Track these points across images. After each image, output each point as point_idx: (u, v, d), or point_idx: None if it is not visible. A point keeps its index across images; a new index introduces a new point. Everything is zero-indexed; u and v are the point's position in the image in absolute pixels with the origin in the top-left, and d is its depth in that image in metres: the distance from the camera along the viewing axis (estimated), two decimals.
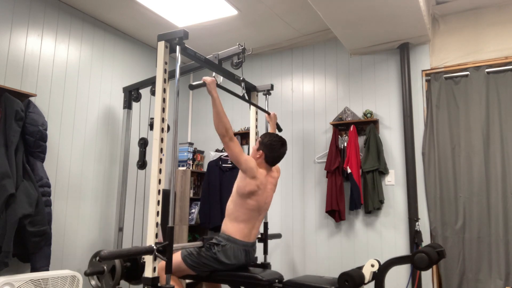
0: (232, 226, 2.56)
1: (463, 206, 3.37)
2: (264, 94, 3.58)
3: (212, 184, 4.28)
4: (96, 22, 3.88)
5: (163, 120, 2.38)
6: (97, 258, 2.08)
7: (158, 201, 2.29)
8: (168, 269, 2.19)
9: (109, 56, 4.00)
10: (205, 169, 4.63)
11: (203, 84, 2.49)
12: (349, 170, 3.66)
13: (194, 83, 2.49)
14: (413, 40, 3.65)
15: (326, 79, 4.18)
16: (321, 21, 3.81)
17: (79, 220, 3.57)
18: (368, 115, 3.80)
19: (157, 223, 2.27)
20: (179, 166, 4.41)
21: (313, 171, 4.09)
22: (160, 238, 2.44)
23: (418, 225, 3.41)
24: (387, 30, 3.48)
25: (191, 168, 4.43)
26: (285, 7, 3.60)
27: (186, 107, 4.96)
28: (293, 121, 4.30)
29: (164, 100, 2.39)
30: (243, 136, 4.47)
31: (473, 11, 3.56)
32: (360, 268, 2.25)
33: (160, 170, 2.32)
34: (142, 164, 3.69)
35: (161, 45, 2.42)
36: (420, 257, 2.07)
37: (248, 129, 4.39)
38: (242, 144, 4.47)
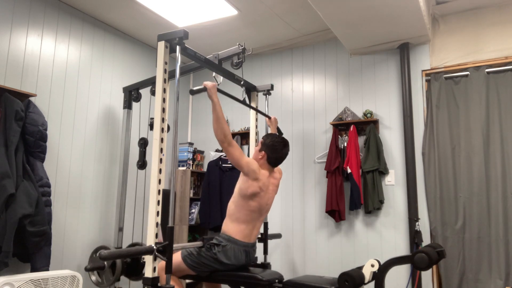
0: (233, 227, 2.56)
1: (463, 206, 3.37)
2: (264, 94, 3.58)
3: (212, 184, 4.28)
4: (96, 22, 3.88)
5: (163, 120, 2.38)
6: (98, 254, 2.08)
7: (158, 201, 2.29)
8: (168, 269, 2.20)
9: (109, 56, 3.99)
10: (205, 169, 4.63)
11: (204, 89, 2.49)
12: (349, 170, 3.66)
13: (195, 88, 2.49)
14: (413, 40, 3.65)
15: (326, 79, 4.18)
16: (321, 21, 3.80)
17: (79, 220, 3.57)
18: (368, 115, 3.80)
19: (157, 223, 2.27)
20: (179, 166, 4.41)
21: (313, 171, 4.09)
22: (160, 238, 2.44)
23: (418, 225, 3.41)
24: (387, 30, 3.48)
25: (191, 168, 4.43)
26: (285, 7, 3.60)
27: (186, 107, 4.96)
28: (293, 121, 4.30)
29: (164, 100, 2.39)
30: (243, 136, 4.47)
31: (473, 11, 3.56)
32: (360, 268, 2.24)
33: (160, 170, 2.33)
34: (142, 164, 3.69)
35: (161, 45, 2.42)
36: (420, 257, 2.07)
37: (248, 129, 4.38)
38: (242, 144, 4.47)
